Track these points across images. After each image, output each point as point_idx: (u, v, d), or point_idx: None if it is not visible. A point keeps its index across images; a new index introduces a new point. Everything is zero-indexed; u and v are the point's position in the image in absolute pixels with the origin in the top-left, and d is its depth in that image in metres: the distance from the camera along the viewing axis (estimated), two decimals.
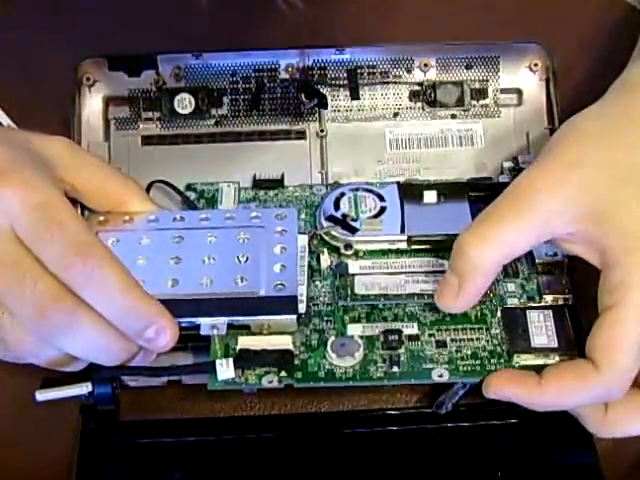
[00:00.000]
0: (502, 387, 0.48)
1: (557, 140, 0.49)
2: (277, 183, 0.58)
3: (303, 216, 0.56)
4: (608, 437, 0.49)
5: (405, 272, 0.53)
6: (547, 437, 0.53)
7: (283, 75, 0.59)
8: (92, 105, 0.58)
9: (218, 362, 0.48)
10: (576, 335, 0.50)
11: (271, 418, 0.54)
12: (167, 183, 0.56)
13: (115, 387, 0.52)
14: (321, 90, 0.58)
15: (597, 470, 0.51)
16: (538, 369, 0.48)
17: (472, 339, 0.51)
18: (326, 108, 0.59)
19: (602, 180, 0.47)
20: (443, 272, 0.52)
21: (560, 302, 0.52)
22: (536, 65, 0.59)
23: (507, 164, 0.58)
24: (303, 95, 0.58)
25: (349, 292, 0.52)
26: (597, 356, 0.46)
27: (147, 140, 0.59)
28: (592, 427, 0.48)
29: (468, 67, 0.59)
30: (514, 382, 0.48)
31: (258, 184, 0.58)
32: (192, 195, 0.57)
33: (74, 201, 0.50)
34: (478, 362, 0.50)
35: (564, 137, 0.49)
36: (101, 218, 0.50)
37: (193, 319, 0.47)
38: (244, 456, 0.53)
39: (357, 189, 0.56)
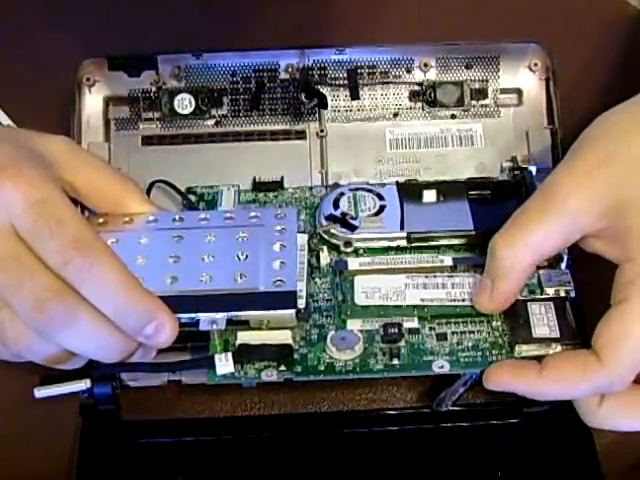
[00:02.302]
0: (502, 379, 0.49)
1: (586, 137, 0.49)
2: (277, 185, 0.58)
3: (303, 217, 0.56)
4: (598, 428, 0.49)
5: (405, 269, 0.53)
6: (547, 437, 0.53)
7: (283, 75, 0.59)
8: (92, 105, 0.59)
9: (217, 357, 0.49)
10: (578, 326, 0.51)
11: (271, 418, 0.55)
12: (168, 183, 0.57)
13: (115, 387, 0.53)
14: (321, 90, 0.59)
15: (597, 470, 0.52)
16: (540, 360, 0.49)
17: (473, 332, 0.51)
18: (326, 108, 0.59)
19: (630, 176, 0.47)
20: (443, 269, 0.53)
21: (562, 294, 0.52)
22: (536, 65, 0.59)
23: (507, 164, 0.58)
24: (303, 95, 0.59)
25: (349, 303, 0.52)
26: (602, 349, 0.46)
27: (147, 140, 0.59)
28: (585, 415, 0.49)
29: (468, 67, 0.60)
30: (514, 373, 0.49)
31: (258, 186, 0.58)
32: (192, 198, 0.58)
33: (74, 201, 0.50)
34: (479, 353, 0.50)
35: (593, 134, 0.49)
36: (100, 220, 0.51)
37: (192, 315, 0.48)
38: (244, 456, 0.53)
39: (356, 189, 0.57)
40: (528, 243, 0.48)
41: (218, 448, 0.54)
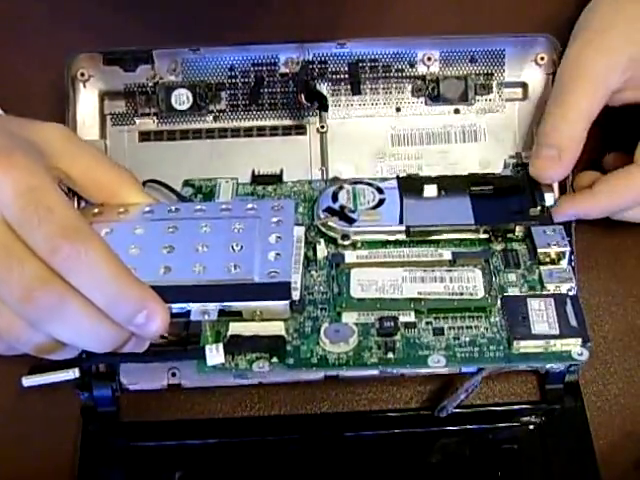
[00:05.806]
0: (567, 210, 0.57)
1: (583, 21, 0.58)
2: (275, 178, 0.59)
3: (301, 210, 0.57)
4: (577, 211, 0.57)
5: (403, 262, 0.54)
6: (546, 438, 0.54)
7: (283, 70, 0.60)
8: (87, 101, 0.60)
9: (208, 347, 0.50)
10: (579, 323, 0.51)
11: (271, 419, 0.56)
12: (160, 182, 0.58)
13: (115, 389, 0.54)
14: (321, 85, 0.60)
15: (596, 470, 0.53)
16: (539, 356, 0.50)
17: (471, 327, 0.52)
18: (327, 110, 0.60)
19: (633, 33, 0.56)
20: (442, 263, 0.54)
21: (563, 290, 0.53)
22: (542, 59, 0.60)
23: (511, 160, 0.59)
24: (303, 97, 0.59)
25: (345, 296, 0.53)
26: None
27: (144, 136, 0.60)
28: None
29: (472, 61, 0.60)
30: (573, 201, 0.57)
31: (257, 179, 0.59)
32: (190, 191, 0.59)
33: (71, 191, 0.52)
34: (477, 349, 0.51)
35: (588, 16, 0.58)
36: (96, 210, 0.52)
37: (184, 305, 0.48)
38: (244, 457, 0.55)
39: (356, 182, 0.58)
40: (581, 113, 0.56)
41: (218, 449, 0.55)
